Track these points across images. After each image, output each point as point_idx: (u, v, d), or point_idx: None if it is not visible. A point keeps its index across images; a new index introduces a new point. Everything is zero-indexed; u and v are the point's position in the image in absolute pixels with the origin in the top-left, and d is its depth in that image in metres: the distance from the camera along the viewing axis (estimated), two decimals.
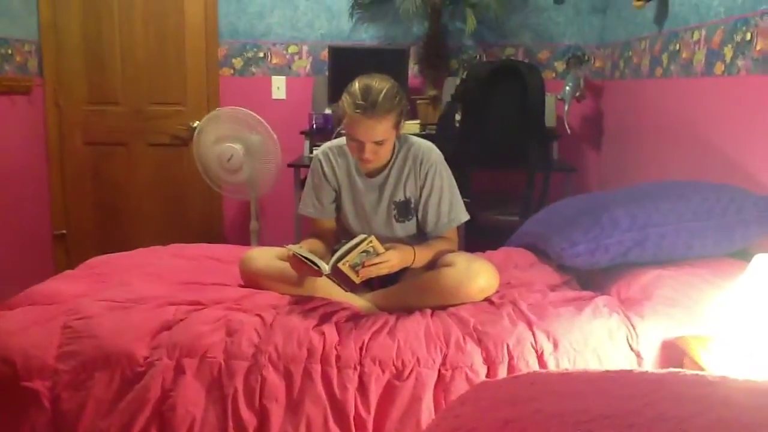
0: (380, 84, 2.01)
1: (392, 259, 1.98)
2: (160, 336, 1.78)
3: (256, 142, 3.41)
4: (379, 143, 2.04)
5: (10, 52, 3.51)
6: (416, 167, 2.18)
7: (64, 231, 4.04)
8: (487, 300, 2.02)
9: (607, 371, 0.97)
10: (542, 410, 0.82)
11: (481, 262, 2.08)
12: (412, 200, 2.21)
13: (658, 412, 0.80)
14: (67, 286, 2.08)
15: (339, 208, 2.28)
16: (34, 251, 3.84)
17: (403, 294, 2.07)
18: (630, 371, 0.96)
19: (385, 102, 1.98)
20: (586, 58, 3.79)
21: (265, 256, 2.16)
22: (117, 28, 3.91)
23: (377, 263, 1.94)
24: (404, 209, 2.21)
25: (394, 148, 2.17)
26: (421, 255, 2.11)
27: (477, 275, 2.01)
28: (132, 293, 1.99)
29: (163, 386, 1.71)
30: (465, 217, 2.25)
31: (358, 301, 2.05)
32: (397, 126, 2.07)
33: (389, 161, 2.18)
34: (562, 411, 0.81)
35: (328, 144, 2.28)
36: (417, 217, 2.24)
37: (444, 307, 1.97)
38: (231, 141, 3.42)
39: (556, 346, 1.76)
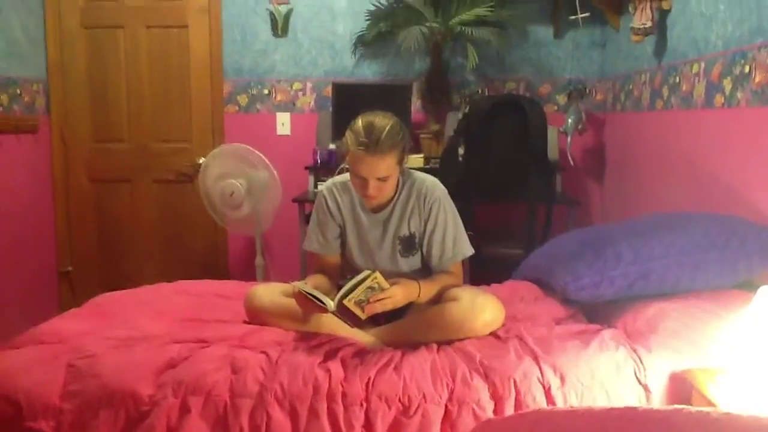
0: (383, 121, 2.04)
1: (397, 295, 1.98)
2: (165, 374, 1.77)
3: (257, 178, 3.43)
4: (382, 180, 2.05)
5: (18, 91, 3.57)
6: (420, 202, 2.19)
7: (69, 268, 4.05)
8: (493, 334, 2.01)
9: (612, 409, 0.96)
10: None
11: (485, 296, 2.08)
12: (417, 235, 2.22)
13: None
14: (72, 325, 2.08)
15: (344, 244, 2.29)
16: (39, 288, 3.85)
17: (408, 329, 2.06)
18: (635, 409, 0.96)
19: (388, 139, 2.00)
20: (587, 91, 3.83)
21: (270, 293, 2.17)
22: (123, 67, 3.97)
23: (382, 299, 1.94)
24: (409, 244, 2.22)
25: (398, 184, 2.19)
26: (426, 290, 2.11)
27: (482, 310, 2.01)
28: (136, 331, 1.99)
29: (168, 425, 1.70)
30: (469, 251, 2.25)
31: (364, 337, 2.04)
32: (400, 162, 2.09)
33: (393, 197, 2.20)
34: None
35: (332, 180, 2.30)
36: (421, 251, 2.25)
37: (450, 342, 1.97)
38: (233, 177, 3.44)
39: (563, 380, 1.75)
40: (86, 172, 4.03)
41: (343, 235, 2.28)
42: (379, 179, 2.05)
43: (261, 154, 3.41)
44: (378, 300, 1.93)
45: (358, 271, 2.06)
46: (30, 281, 3.73)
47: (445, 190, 2.23)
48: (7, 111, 3.47)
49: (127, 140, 4.02)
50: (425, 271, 2.26)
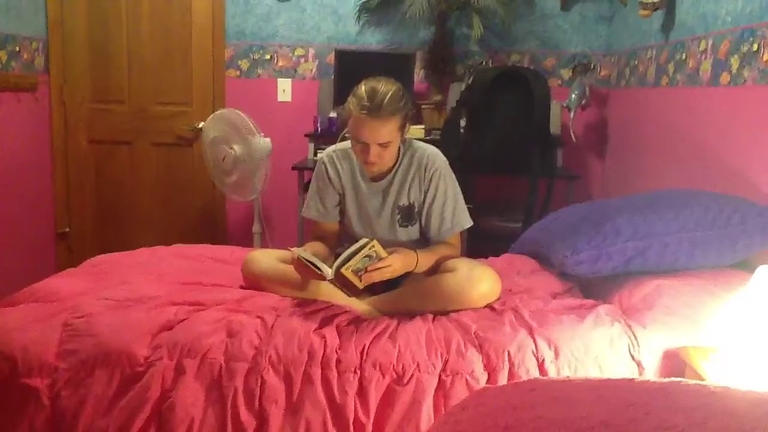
0: (386, 86, 2.02)
1: (395, 264, 1.98)
2: (161, 336, 1.78)
3: (247, 146, 3.37)
4: (383, 145, 2.04)
5: (17, 49, 3.52)
6: (421, 172, 2.18)
7: (67, 229, 4.05)
8: (489, 306, 2.01)
9: (609, 379, 0.97)
10: (543, 417, 0.81)
11: (483, 268, 2.08)
12: (416, 205, 2.21)
13: (658, 420, 0.79)
14: (69, 284, 2.08)
15: (342, 212, 2.28)
16: (36, 249, 3.85)
17: (405, 298, 2.06)
18: (631, 379, 0.96)
19: (390, 104, 1.99)
20: (592, 66, 3.79)
21: (268, 258, 2.16)
22: (124, 27, 3.92)
23: (380, 268, 1.94)
24: (408, 214, 2.21)
25: (399, 153, 2.18)
26: (424, 259, 2.11)
27: (479, 281, 2.01)
28: (133, 292, 1.99)
29: (162, 386, 1.70)
30: (468, 223, 2.24)
31: (360, 305, 2.04)
32: (402, 129, 2.07)
33: (394, 165, 2.18)
34: (563, 418, 0.80)
35: (332, 147, 2.28)
36: (420, 222, 2.24)
37: (445, 313, 1.97)
38: (225, 143, 3.41)
39: (557, 353, 1.75)
40: (85, 132, 4.00)
41: (342, 204, 2.27)
42: (380, 145, 2.03)
43: (251, 123, 3.33)
44: (376, 269, 1.93)
45: (356, 240, 2.05)
46: (28, 241, 3.73)
47: (446, 161, 2.22)
48: (6, 68, 3.42)
49: (127, 102, 3.99)
50: (423, 242, 2.26)
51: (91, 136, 4.00)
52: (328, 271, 1.89)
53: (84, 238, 4.07)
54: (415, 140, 2.26)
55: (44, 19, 3.82)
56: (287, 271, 2.06)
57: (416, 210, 2.21)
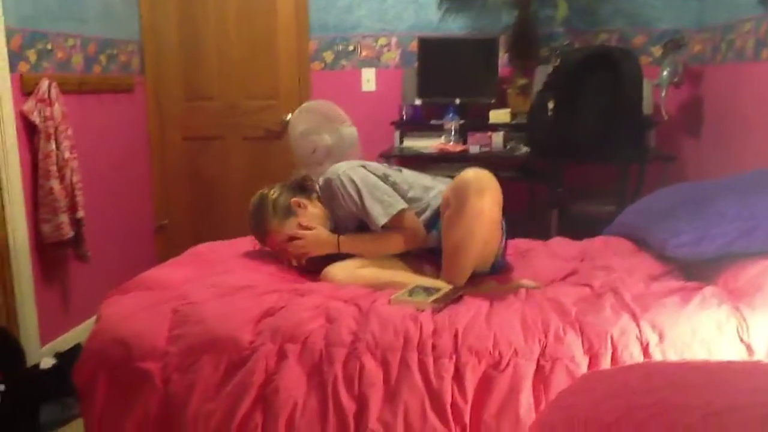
0: (250, 207, 2.32)
1: (308, 236, 2.23)
2: (264, 321, 1.83)
3: (338, 135, 3.41)
4: (291, 239, 2.25)
5: (115, 52, 3.69)
6: (332, 195, 2.27)
7: (165, 221, 4.22)
8: (588, 286, 1.98)
9: (729, 362, 0.93)
10: (664, 401, 0.79)
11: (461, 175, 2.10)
12: (355, 216, 2.28)
13: None
14: (175, 273, 2.17)
15: None
16: (137, 241, 4.04)
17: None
18: (755, 362, 0.92)
19: (256, 225, 2.30)
20: (684, 42, 3.64)
21: (345, 272, 2.22)
22: (212, 28, 4.05)
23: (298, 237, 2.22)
24: (363, 225, 2.28)
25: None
26: (349, 242, 2.25)
27: (468, 186, 2.04)
28: (236, 280, 2.06)
29: (266, 370, 1.75)
30: (381, 219, 2.21)
31: (444, 287, 2.06)
32: (285, 218, 2.26)
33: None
34: (686, 403, 0.78)
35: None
36: None
37: (542, 292, 1.96)
38: (316, 133, 3.46)
39: (662, 337, 1.69)
40: (179, 130, 4.16)
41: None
42: (288, 241, 2.24)
43: (341, 111, 3.39)
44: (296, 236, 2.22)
45: None
46: (129, 234, 3.91)
47: (348, 165, 2.29)
48: (106, 71, 3.60)
49: (218, 98, 4.12)
50: None
51: (185, 132, 4.17)
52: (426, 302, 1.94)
53: (181, 230, 4.24)
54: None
55: (138, 23, 3.99)
56: (368, 277, 2.18)
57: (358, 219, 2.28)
